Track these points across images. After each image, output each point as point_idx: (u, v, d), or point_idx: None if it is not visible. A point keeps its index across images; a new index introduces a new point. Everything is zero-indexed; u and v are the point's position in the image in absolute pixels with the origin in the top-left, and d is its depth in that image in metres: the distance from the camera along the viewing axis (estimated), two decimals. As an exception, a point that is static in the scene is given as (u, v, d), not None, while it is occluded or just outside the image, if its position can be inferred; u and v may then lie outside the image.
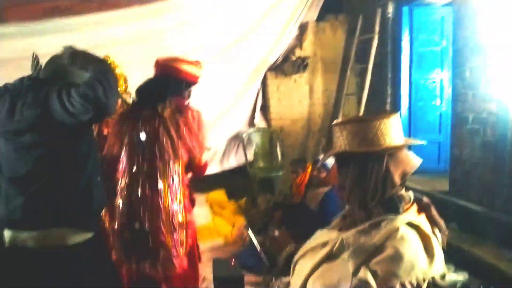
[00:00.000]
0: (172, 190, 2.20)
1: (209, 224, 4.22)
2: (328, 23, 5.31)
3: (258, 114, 5.27)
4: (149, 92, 2.26)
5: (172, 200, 2.19)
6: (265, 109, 5.33)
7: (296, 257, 1.50)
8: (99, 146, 2.30)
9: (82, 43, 3.29)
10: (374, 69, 4.92)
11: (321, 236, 1.50)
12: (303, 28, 5.20)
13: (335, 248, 1.34)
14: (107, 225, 2.34)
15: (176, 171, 2.20)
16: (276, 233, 3.25)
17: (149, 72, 3.06)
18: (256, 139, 5.14)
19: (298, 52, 5.16)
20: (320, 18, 5.30)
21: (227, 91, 4.89)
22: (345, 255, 1.30)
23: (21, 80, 1.82)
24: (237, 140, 5.17)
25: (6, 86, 1.83)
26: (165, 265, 2.17)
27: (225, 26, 4.56)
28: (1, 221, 1.79)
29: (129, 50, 3.95)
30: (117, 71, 2.69)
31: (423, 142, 1.52)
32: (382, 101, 4.96)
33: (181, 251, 2.22)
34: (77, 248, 1.76)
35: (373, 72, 4.92)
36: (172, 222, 2.19)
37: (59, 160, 1.75)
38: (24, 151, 1.74)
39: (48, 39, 3.70)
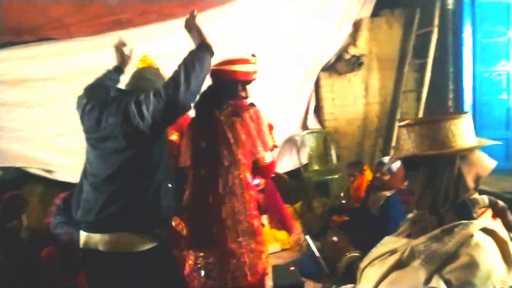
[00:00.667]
0: (235, 196, 2.15)
1: (264, 229, 4.21)
2: (384, 19, 5.14)
3: (311, 115, 5.20)
4: (206, 100, 2.24)
5: (235, 206, 2.14)
6: (318, 110, 5.25)
7: (362, 265, 1.45)
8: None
9: (143, 54, 3.45)
10: (434, 64, 4.72)
11: (388, 243, 1.45)
12: (357, 25, 5.06)
13: (405, 255, 1.28)
14: (183, 233, 2.37)
15: (236, 176, 2.15)
16: (335, 238, 3.18)
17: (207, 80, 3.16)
18: (310, 141, 5.07)
19: (352, 50, 5.03)
20: (375, 13, 5.14)
21: (280, 93, 4.86)
22: (416, 263, 1.24)
23: (108, 91, 2.04)
24: (291, 143, 5.12)
25: (97, 97, 2.02)
26: (235, 274, 2.12)
27: (277, 29, 4.55)
28: (79, 223, 1.92)
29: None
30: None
31: (499, 143, 1.42)
32: (444, 97, 4.74)
33: (252, 258, 2.15)
34: (142, 255, 1.81)
35: (433, 67, 4.72)
36: (238, 229, 2.13)
37: (133, 165, 1.84)
38: (105, 157, 1.86)
39: (111, 51, 3.90)
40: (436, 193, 1.32)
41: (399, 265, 1.29)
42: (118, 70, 2.22)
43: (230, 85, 2.24)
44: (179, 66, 1.82)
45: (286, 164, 4.98)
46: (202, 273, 2.20)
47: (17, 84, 4.04)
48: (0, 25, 3.55)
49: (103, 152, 1.88)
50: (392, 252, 1.35)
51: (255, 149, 2.16)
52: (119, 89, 2.06)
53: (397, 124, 4.92)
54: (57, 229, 3.50)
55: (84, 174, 1.98)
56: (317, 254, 2.88)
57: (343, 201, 4.33)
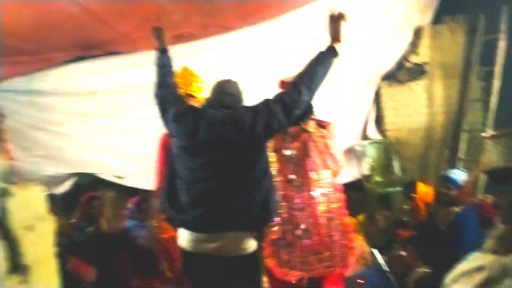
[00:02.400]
0: (327, 197, 2.48)
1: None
2: (446, 26, 4.94)
3: (372, 125, 5.08)
4: None
5: (328, 205, 2.47)
6: (379, 120, 5.11)
7: (447, 281, 1.38)
8: None
9: (203, 66, 3.57)
10: (503, 72, 4.44)
11: (474, 259, 1.36)
12: (418, 32, 4.91)
13: (495, 273, 1.20)
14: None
15: (327, 179, 2.50)
16: (403, 253, 3.07)
17: (267, 89, 3.19)
18: (371, 152, 4.94)
19: (414, 58, 4.87)
20: (436, 20, 4.96)
21: (338, 103, 4.79)
22: (509, 281, 1.15)
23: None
24: (351, 153, 5.02)
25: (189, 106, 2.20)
26: (327, 264, 2.45)
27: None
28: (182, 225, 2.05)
29: (247, 69, 4.14)
30: (197, 81, 2.82)
31: None
32: (515, 107, 4.45)
33: (343, 252, 2.51)
34: (246, 257, 1.97)
35: (502, 75, 4.44)
36: (332, 225, 2.47)
37: (243, 171, 1.96)
38: (212, 165, 1.97)
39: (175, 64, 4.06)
40: (526, 207, 1.23)
41: (489, 282, 1.20)
42: (165, 51, 2.44)
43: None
44: (305, 70, 2.06)
45: (346, 175, 4.88)
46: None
47: (88, 95, 4.30)
48: (70, 41, 3.79)
49: (209, 159, 1.97)
50: (479, 268, 1.27)
51: (336, 157, 2.59)
52: (209, 103, 2.20)
53: (463, 134, 4.68)
54: (131, 233, 3.66)
55: (180, 178, 2.08)
56: (385, 268, 2.78)
57: (405, 219, 4.14)
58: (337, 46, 2.12)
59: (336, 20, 2.13)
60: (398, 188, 4.53)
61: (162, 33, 2.40)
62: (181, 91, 2.71)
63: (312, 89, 2.01)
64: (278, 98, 1.97)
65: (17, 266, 1.31)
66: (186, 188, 2.04)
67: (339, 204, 2.55)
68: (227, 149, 1.95)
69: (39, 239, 1.41)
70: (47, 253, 1.44)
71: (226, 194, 1.94)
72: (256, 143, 1.95)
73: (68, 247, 3.23)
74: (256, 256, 2.06)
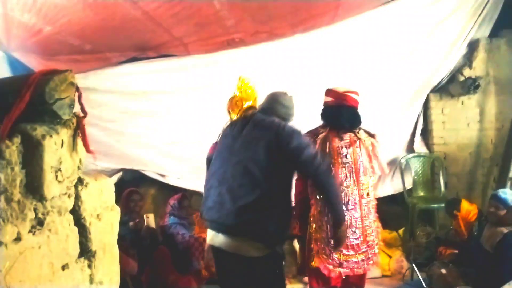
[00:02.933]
0: (370, 200, 2.71)
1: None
2: (504, 40, 4.76)
3: (418, 138, 4.95)
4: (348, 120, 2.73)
5: (370, 209, 2.70)
6: (426, 133, 4.98)
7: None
8: None
9: (253, 71, 3.63)
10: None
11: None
12: (473, 45, 4.75)
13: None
14: (314, 236, 2.68)
15: (372, 184, 2.74)
16: (444, 271, 2.99)
17: (314, 96, 3.20)
18: (416, 165, 4.81)
19: (467, 72, 4.72)
20: (494, 34, 4.79)
21: (385, 113, 4.72)
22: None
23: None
24: (394, 165, 4.92)
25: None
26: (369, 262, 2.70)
27: (386, 46, 4.45)
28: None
29: (293, 77, 4.17)
30: (250, 90, 2.86)
31: None
32: None
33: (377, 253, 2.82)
34: (257, 261, 2.06)
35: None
36: (373, 226, 2.74)
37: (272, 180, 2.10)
38: (247, 171, 2.09)
39: (223, 68, 4.16)
40: None
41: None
42: None
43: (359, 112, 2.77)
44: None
45: (388, 187, 4.79)
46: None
47: (139, 95, 4.47)
48: (128, 42, 3.97)
49: (237, 161, 2.16)
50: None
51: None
52: (262, 110, 2.38)
53: (516, 153, 4.48)
54: (171, 229, 3.78)
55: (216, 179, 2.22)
56: (424, 285, 2.73)
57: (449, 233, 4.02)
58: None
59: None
60: (442, 205, 4.39)
61: None
62: (239, 104, 2.81)
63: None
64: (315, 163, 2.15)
65: (86, 251, 1.41)
66: (211, 189, 2.22)
67: (375, 208, 2.80)
68: (256, 153, 2.11)
69: (106, 228, 1.51)
70: (111, 241, 1.55)
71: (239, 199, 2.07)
72: (282, 162, 2.11)
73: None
74: (271, 259, 2.14)
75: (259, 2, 3.42)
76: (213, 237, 2.17)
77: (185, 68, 4.32)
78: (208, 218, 2.19)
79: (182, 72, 4.33)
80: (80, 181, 1.45)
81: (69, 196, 1.35)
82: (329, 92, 2.81)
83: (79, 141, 1.42)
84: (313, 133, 2.74)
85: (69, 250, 1.32)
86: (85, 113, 1.43)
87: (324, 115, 2.81)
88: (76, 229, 1.37)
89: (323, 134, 2.71)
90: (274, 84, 3.87)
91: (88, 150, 1.43)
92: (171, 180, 4.69)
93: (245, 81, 2.88)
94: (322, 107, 2.88)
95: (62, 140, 1.32)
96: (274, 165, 2.08)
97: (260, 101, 2.89)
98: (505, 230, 2.93)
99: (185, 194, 4.19)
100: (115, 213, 1.59)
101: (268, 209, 2.04)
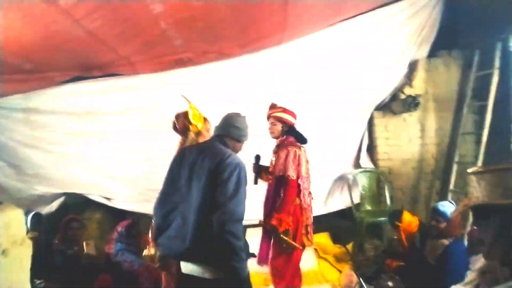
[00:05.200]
0: None
1: (314, 269, 4.13)
2: (441, 59, 5.06)
3: (364, 154, 5.12)
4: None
5: None
6: (371, 149, 5.17)
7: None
8: None
9: (200, 92, 3.62)
10: (495, 107, 4.52)
11: (457, 294, 1.38)
12: (413, 65, 5.01)
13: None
14: None
15: None
16: (390, 283, 3.06)
17: (262, 115, 3.24)
18: (363, 180, 4.96)
19: (408, 90, 4.96)
20: (432, 54, 5.08)
21: (331, 131, 4.85)
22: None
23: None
24: (342, 181, 5.06)
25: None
26: None
27: (331, 66, 4.59)
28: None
29: (244, 95, 4.20)
30: (195, 111, 2.90)
31: None
32: (506, 141, 4.51)
33: None
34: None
35: (494, 110, 4.52)
36: None
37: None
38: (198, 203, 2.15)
39: (171, 88, 4.12)
40: (508, 243, 1.25)
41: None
42: None
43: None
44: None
45: (336, 202, 4.90)
46: None
47: (84, 115, 4.33)
48: (70, 61, 3.84)
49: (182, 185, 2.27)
50: (461, 304, 1.28)
51: None
52: (216, 134, 2.43)
53: (455, 166, 4.73)
54: (118, 256, 3.61)
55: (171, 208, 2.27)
56: (371, 299, 2.77)
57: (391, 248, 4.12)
58: None
59: None
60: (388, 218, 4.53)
61: None
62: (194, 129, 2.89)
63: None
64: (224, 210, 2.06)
65: None
66: (166, 217, 2.27)
67: None
68: (202, 182, 2.16)
69: (14, 264, 1.38)
70: (22, 278, 1.41)
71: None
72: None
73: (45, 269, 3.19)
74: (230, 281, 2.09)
75: (207, 22, 3.44)
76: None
77: (132, 88, 4.25)
78: (163, 244, 2.23)
79: (129, 92, 4.25)
80: None
81: None
82: (290, 112, 3.18)
83: None
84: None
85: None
86: None
87: (294, 132, 3.24)
88: None
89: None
90: (223, 103, 3.92)
91: None
92: (118, 203, 4.54)
93: (192, 104, 2.90)
94: (286, 125, 3.23)
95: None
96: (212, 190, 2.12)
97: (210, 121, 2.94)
98: (446, 242, 3.03)
99: (134, 222, 4.02)
100: (26, 248, 1.47)
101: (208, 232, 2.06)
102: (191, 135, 2.90)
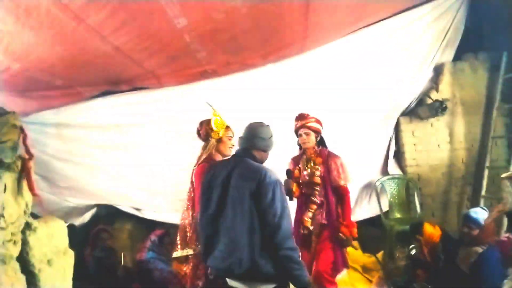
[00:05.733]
0: None
1: (344, 279, 4.06)
2: (467, 63, 4.96)
3: (391, 161, 5.03)
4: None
5: None
6: (399, 155, 5.08)
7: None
8: None
9: (225, 102, 3.66)
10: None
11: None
12: (438, 69, 4.93)
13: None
14: None
15: None
16: (423, 293, 2.98)
17: (287, 125, 3.26)
18: (391, 187, 4.87)
19: (434, 95, 4.88)
20: (458, 57, 4.99)
21: (358, 138, 4.80)
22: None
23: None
24: (370, 189, 4.98)
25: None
26: None
27: (355, 73, 4.55)
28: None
29: (267, 105, 4.22)
30: (218, 118, 2.96)
31: None
32: (539, 144, 4.38)
33: None
34: None
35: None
36: None
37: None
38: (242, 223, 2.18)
39: (196, 100, 4.18)
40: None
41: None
42: None
43: None
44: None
45: (364, 210, 4.82)
46: None
47: (112, 128, 4.45)
48: (99, 77, 3.97)
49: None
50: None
51: None
52: (242, 147, 2.44)
53: (486, 171, 4.60)
54: (150, 264, 3.67)
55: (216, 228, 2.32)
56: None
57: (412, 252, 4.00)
58: None
59: None
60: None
61: None
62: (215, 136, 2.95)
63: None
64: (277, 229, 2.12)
65: None
66: (212, 237, 2.33)
67: None
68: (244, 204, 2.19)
69: (58, 274, 1.44)
70: (64, 287, 1.47)
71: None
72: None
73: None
74: None
75: (229, 34, 3.49)
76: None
77: (159, 100, 4.34)
78: (215, 266, 2.32)
79: (155, 104, 4.34)
80: (27, 225, 1.38)
81: (14, 243, 1.28)
82: (320, 122, 3.25)
83: (24, 184, 1.35)
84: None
85: (13, 300, 1.24)
86: (30, 155, 1.37)
87: (323, 142, 3.33)
88: (23, 277, 1.29)
89: None
90: (247, 113, 3.93)
91: (33, 193, 1.36)
92: (147, 214, 4.62)
93: (216, 112, 2.95)
94: (319, 135, 3.28)
95: (5, 185, 1.26)
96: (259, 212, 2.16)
97: (235, 130, 2.97)
98: (479, 249, 2.95)
99: (167, 231, 4.09)
100: (68, 257, 1.53)
101: (262, 252, 2.13)
102: (212, 141, 2.96)
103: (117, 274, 3.44)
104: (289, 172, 3.20)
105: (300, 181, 3.33)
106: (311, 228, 3.21)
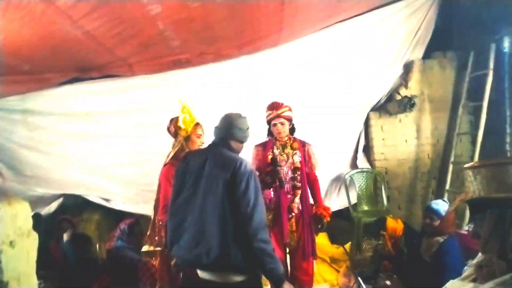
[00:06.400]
0: None
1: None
2: (436, 61, 5.11)
3: (360, 155, 5.15)
4: None
5: None
6: (368, 149, 5.20)
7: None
8: None
9: (198, 92, 3.63)
10: (490, 107, 4.57)
11: (454, 287, 1.40)
12: (408, 66, 5.06)
13: (473, 302, 1.23)
14: None
15: None
16: (388, 282, 3.09)
17: (260, 116, 3.27)
18: (359, 180, 4.99)
19: (403, 91, 5.00)
20: (427, 56, 5.13)
21: (328, 132, 4.87)
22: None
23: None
24: (339, 181, 5.08)
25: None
26: None
27: (328, 67, 4.61)
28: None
29: (241, 97, 4.22)
30: (187, 116, 2.92)
31: None
32: (501, 141, 4.57)
33: None
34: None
35: (489, 110, 4.57)
36: None
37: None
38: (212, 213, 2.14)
39: (169, 89, 4.13)
40: (504, 237, 1.27)
41: (467, 311, 1.24)
42: None
43: None
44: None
45: (333, 202, 4.92)
46: None
47: (81, 116, 4.34)
48: (68, 62, 3.85)
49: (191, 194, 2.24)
50: (458, 297, 1.30)
51: None
52: (216, 136, 2.40)
53: (451, 166, 4.77)
54: (119, 253, 3.62)
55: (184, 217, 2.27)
56: (370, 298, 2.79)
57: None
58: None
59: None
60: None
61: None
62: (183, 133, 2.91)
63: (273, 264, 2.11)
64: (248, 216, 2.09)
65: None
66: (179, 227, 2.25)
67: None
68: (217, 193, 2.14)
69: (21, 255, 1.41)
70: (28, 270, 1.44)
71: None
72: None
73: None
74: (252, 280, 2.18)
75: (204, 23, 3.46)
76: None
77: (130, 89, 4.26)
78: (181, 256, 2.27)
79: (126, 93, 4.26)
80: None
81: None
82: (271, 106, 3.19)
83: None
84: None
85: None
86: None
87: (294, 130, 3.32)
88: None
89: None
90: (220, 105, 3.93)
91: None
92: (116, 204, 4.55)
93: (186, 104, 2.92)
94: (291, 122, 3.25)
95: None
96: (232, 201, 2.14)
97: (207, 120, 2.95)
98: (440, 239, 3.07)
99: (137, 220, 4.04)
100: (32, 240, 1.50)
101: (233, 242, 2.10)
102: (180, 139, 2.93)
103: (85, 264, 3.38)
104: (274, 160, 3.14)
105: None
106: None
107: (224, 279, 2.13)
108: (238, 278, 2.13)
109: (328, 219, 3.20)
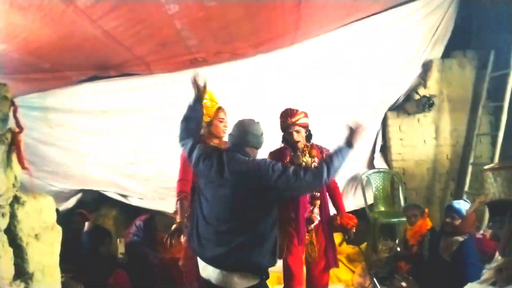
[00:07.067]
0: None
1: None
2: (455, 60, 5.03)
3: (378, 155, 5.11)
4: None
5: None
6: (385, 150, 5.15)
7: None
8: None
9: (215, 91, 3.64)
10: (511, 107, 4.48)
11: (472, 291, 1.37)
12: (427, 66, 4.99)
13: (492, 306, 1.21)
14: None
15: None
16: (404, 284, 3.06)
17: (275, 116, 3.26)
18: (376, 181, 4.95)
19: (422, 91, 4.94)
20: (446, 55, 5.04)
21: (345, 131, 4.81)
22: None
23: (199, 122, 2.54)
24: (356, 182, 5.04)
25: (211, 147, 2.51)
26: None
27: (345, 66, 4.57)
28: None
29: (257, 95, 4.21)
30: (208, 103, 2.95)
31: None
32: (522, 142, 4.48)
33: None
34: None
35: (510, 111, 4.48)
36: None
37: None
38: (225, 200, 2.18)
39: (186, 88, 4.14)
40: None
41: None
42: (199, 100, 2.61)
43: None
44: (326, 161, 2.25)
45: (350, 202, 4.88)
46: None
47: (100, 114, 4.40)
48: (88, 61, 3.92)
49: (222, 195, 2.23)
50: (477, 300, 1.28)
51: None
52: (232, 144, 2.40)
53: (470, 168, 4.69)
54: (135, 249, 3.67)
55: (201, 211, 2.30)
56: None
57: (398, 249, 4.06)
58: (353, 144, 2.35)
59: (355, 131, 2.41)
60: (402, 219, 4.49)
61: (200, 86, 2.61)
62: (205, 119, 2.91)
63: (328, 177, 2.18)
64: (299, 173, 2.13)
65: (22, 273, 1.35)
66: (201, 226, 2.29)
67: None
68: (239, 193, 2.17)
69: (46, 248, 1.46)
70: (52, 262, 1.49)
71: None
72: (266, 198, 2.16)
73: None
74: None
75: (221, 22, 3.47)
76: (203, 268, 2.27)
77: (147, 87, 4.29)
78: (201, 255, 2.28)
79: (144, 91, 4.29)
80: (16, 199, 1.39)
81: (2, 215, 1.30)
82: (285, 112, 3.03)
83: (14, 157, 1.35)
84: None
85: (1, 272, 1.25)
86: (21, 128, 1.37)
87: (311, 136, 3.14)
88: (11, 250, 1.31)
89: None
90: (237, 104, 3.94)
91: (23, 167, 1.37)
92: (133, 200, 4.60)
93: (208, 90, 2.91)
94: (308, 129, 3.08)
95: (-6, 157, 1.27)
96: (261, 204, 2.17)
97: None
98: (460, 238, 3.06)
99: (153, 216, 4.09)
100: (56, 233, 1.54)
101: (257, 244, 2.13)
102: (203, 125, 2.91)
103: (99, 257, 3.43)
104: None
105: None
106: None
107: (230, 283, 2.14)
108: (244, 284, 2.14)
109: (354, 230, 3.06)
